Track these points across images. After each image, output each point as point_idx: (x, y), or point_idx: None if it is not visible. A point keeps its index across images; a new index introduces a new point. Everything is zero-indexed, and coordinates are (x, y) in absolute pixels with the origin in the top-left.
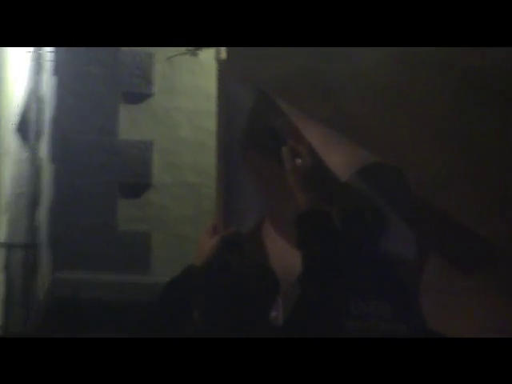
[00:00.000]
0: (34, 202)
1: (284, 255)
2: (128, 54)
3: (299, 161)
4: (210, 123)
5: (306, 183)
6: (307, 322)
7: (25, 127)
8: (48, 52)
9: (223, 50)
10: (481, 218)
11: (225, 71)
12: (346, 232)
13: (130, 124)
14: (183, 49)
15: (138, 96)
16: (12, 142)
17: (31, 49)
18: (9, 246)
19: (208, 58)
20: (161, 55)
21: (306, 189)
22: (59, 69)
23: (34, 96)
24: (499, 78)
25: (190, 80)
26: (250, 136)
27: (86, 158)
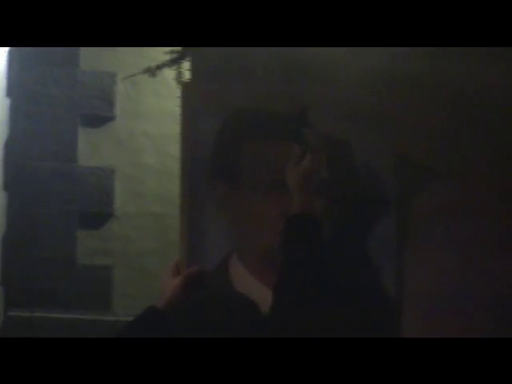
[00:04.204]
0: None
1: (252, 292)
2: (88, 73)
3: (308, 160)
4: (177, 149)
5: (305, 184)
6: (281, 328)
7: None
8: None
9: (186, 71)
10: (473, 256)
11: (189, 94)
12: (334, 242)
13: (90, 149)
14: (143, 68)
15: (99, 119)
16: None
17: None
18: None
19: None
20: (123, 75)
21: (304, 190)
22: (12, 89)
23: None
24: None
25: (155, 102)
26: (217, 163)
27: (42, 186)
